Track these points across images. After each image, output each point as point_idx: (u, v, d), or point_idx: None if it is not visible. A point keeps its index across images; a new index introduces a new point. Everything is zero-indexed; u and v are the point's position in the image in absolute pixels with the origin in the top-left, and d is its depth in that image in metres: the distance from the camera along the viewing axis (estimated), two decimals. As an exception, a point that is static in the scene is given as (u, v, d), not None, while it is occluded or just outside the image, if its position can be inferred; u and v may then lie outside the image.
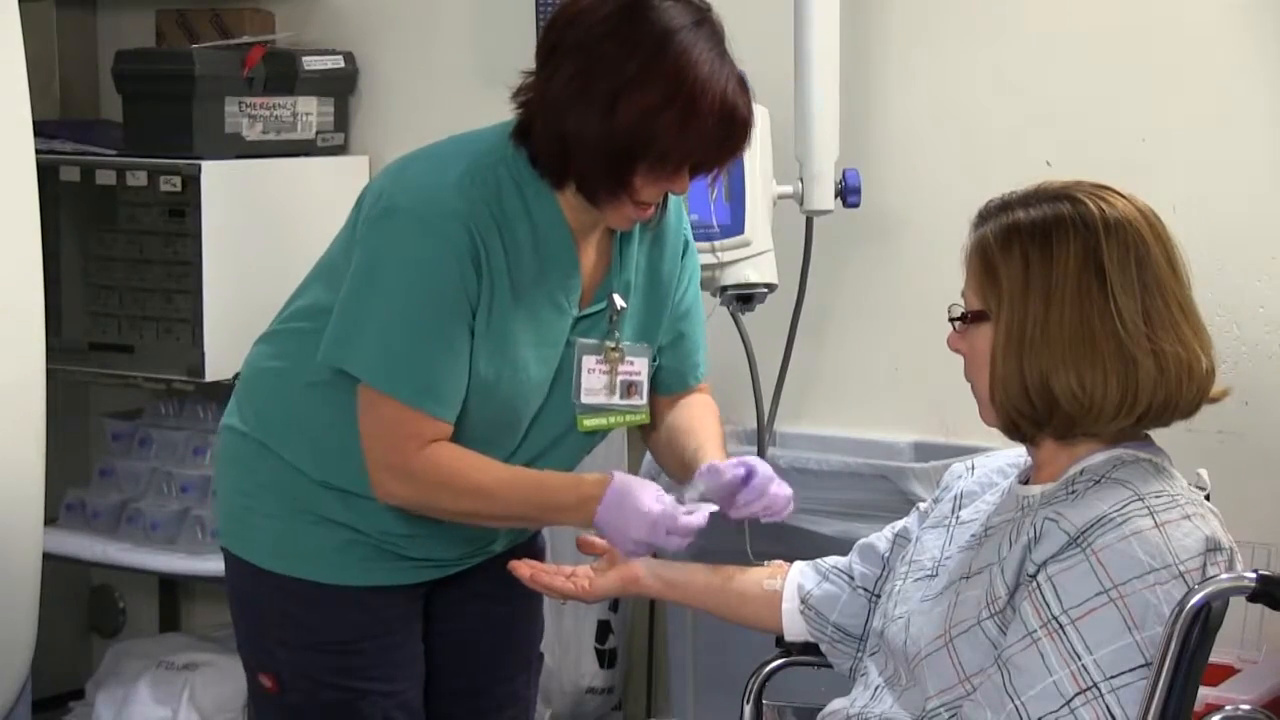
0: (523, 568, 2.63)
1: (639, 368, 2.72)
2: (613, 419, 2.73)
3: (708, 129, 2.50)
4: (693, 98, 2.49)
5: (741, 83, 2.54)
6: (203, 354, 4.07)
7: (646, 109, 2.48)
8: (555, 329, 2.65)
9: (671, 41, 2.49)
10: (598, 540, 2.70)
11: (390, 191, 2.60)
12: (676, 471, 2.76)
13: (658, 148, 2.50)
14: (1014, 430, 2.32)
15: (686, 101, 2.48)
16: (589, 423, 2.71)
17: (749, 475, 2.59)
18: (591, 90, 2.49)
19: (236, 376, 3.94)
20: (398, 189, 2.60)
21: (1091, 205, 2.28)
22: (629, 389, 2.72)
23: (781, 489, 2.60)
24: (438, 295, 2.54)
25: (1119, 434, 2.30)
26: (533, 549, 2.86)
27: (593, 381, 2.69)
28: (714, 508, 2.58)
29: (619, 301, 2.69)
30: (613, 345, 2.69)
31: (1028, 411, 2.28)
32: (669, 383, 2.82)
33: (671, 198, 2.70)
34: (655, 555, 2.64)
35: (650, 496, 2.56)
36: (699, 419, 2.78)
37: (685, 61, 2.49)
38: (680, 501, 2.59)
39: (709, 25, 2.54)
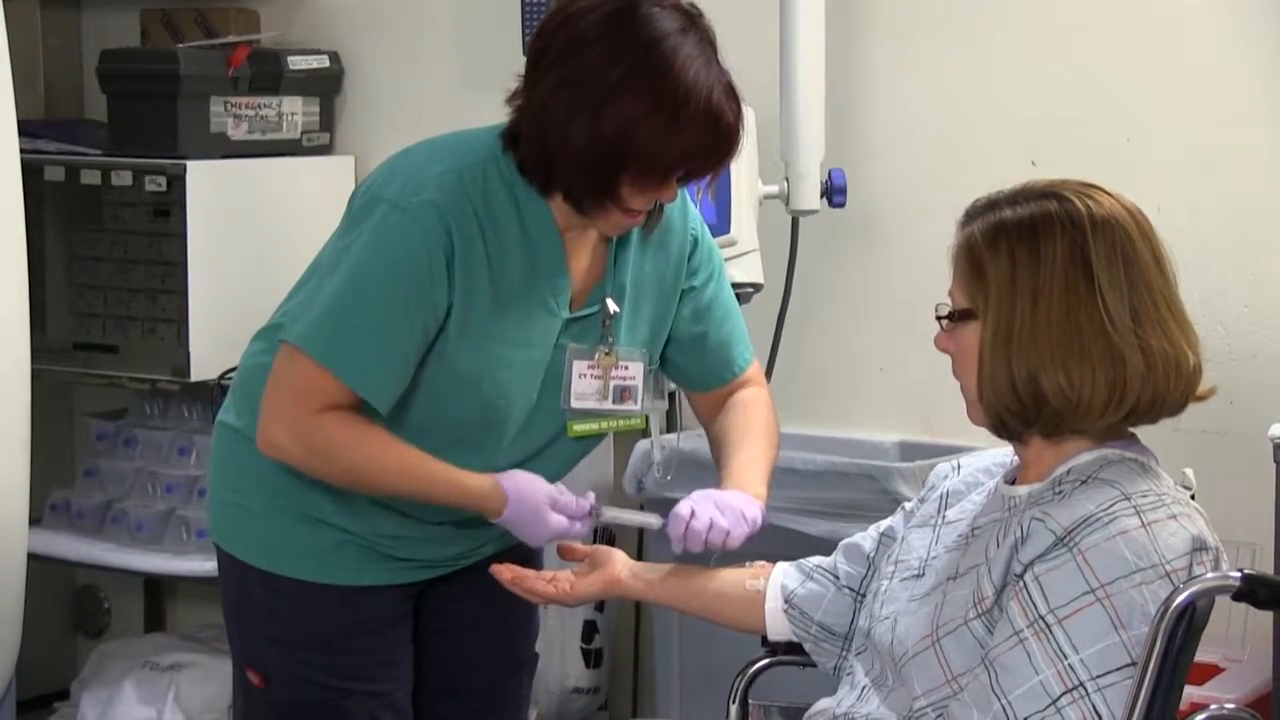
0: (504, 571, 2.64)
1: (634, 372, 2.70)
2: (604, 424, 2.72)
3: (692, 137, 2.48)
4: (676, 106, 2.46)
5: (729, 89, 2.51)
6: (188, 354, 4.07)
7: (630, 118, 2.46)
8: (543, 330, 2.64)
9: (657, 49, 2.47)
10: (579, 547, 2.70)
11: (379, 181, 2.61)
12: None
13: (642, 156, 2.48)
14: (1002, 428, 2.32)
15: (670, 110, 2.46)
16: (579, 428, 2.70)
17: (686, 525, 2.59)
18: (575, 99, 2.47)
19: (222, 376, 3.99)
20: (385, 178, 2.60)
21: (1078, 203, 2.29)
22: (622, 394, 2.70)
23: (704, 529, 2.59)
24: (395, 282, 2.53)
25: (1106, 432, 2.30)
26: (527, 550, 2.83)
27: (583, 386, 2.67)
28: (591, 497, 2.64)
29: (611, 306, 2.67)
30: (605, 350, 2.68)
31: (1015, 409, 2.28)
32: (703, 380, 2.81)
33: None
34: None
35: (549, 511, 2.58)
36: (740, 430, 2.76)
37: (669, 69, 2.46)
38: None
39: (697, 31, 2.51)
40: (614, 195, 2.53)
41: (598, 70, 2.47)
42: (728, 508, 2.60)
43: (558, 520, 2.61)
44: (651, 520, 2.67)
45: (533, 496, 2.60)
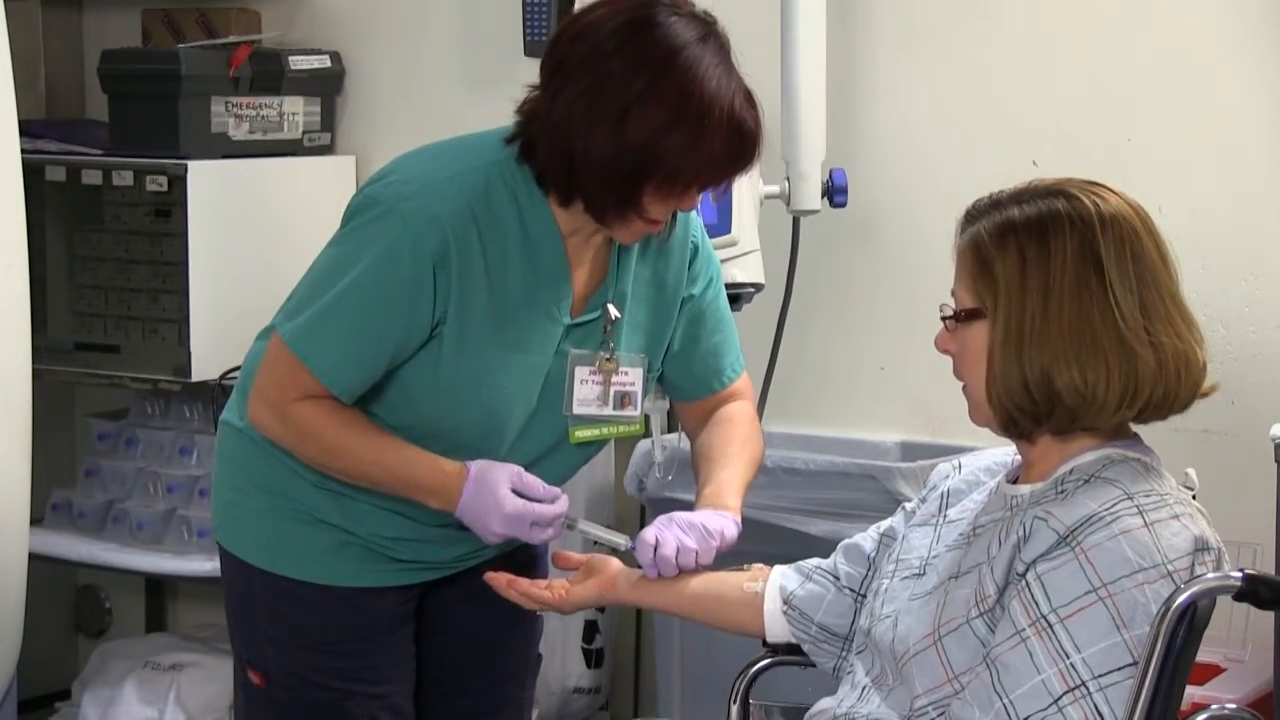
0: (499, 577, 2.64)
1: (633, 378, 2.70)
2: (605, 430, 2.71)
3: (717, 146, 2.48)
4: (701, 115, 2.45)
5: (749, 97, 2.51)
6: (189, 354, 4.07)
7: (655, 127, 2.45)
8: (544, 336, 2.63)
9: (679, 58, 2.46)
10: (574, 555, 2.70)
11: (379, 182, 2.61)
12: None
13: (667, 166, 2.47)
14: (1012, 428, 2.32)
15: (695, 119, 2.45)
16: (580, 434, 2.70)
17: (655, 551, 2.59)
18: (598, 109, 2.46)
19: (223, 376, 3.99)
20: (385, 182, 2.60)
21: (1086, 201, 2.29)
22: (623, 400, 2.70)
23: (672, 555, 2.57)
24: (382, 286, 2.54)
25: (1112, 431, 2.30)
26: (530, 554, 2.84)
27: (585, 392, 2.67)
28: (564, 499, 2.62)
29: (613, 311, 2.66)
30: (607, 355, 2.68)
31: (1028, 407, 2.28)
32: (691, 389, 2.79)
33: None
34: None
35: (507, 490, 2.56)
36: (721, 447, 2.74)
37: (693, 78, 2.46)
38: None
39: (715, 39, 2.51)
40: (636, 204, 2.52)
41: (620, 81, 2.46)
42: (691, 527, 2.59)
43: (516, 502, 2.57)
44: (619, 540, 2.66)
45: (500, 478, 2.58)
